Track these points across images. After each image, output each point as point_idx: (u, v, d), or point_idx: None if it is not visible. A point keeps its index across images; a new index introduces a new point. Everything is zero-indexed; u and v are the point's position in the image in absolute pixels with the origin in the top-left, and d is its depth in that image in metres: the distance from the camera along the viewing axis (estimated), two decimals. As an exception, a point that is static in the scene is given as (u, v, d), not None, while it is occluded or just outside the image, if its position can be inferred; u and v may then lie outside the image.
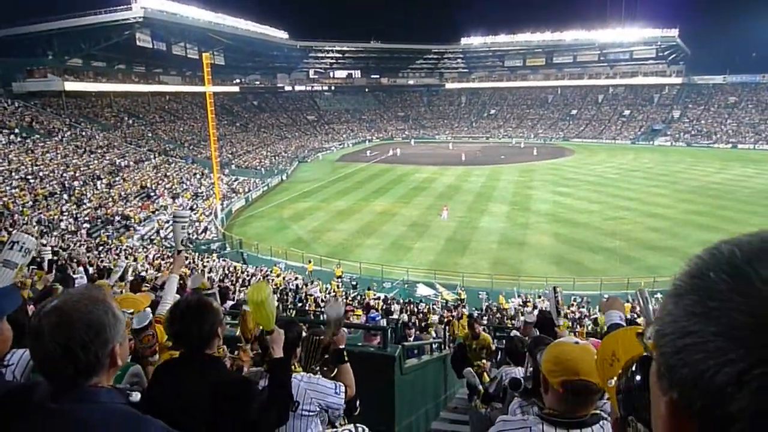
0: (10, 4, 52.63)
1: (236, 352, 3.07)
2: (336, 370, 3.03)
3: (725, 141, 76.16)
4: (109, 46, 56.46)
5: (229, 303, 7.88)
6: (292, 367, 2.77)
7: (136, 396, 1.51)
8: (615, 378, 1.18)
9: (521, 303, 20.10)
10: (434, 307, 19.68)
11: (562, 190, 42.39)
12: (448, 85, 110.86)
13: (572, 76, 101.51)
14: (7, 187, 28.18)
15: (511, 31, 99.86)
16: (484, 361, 7.25)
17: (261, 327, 2.65)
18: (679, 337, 0.52)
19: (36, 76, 48.47)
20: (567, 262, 25.30)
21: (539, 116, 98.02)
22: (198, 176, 43.59)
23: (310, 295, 19.18)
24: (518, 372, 3.58)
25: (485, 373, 6.75)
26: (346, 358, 3.02)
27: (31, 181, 30.23)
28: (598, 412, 1.92)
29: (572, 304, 19.84)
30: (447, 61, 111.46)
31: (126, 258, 20.34)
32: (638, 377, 1.08)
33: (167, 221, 31.95)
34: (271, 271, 23.68)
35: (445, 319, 15.07)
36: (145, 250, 25.68)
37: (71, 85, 50.60)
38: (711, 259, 0.55)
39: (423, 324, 13.97)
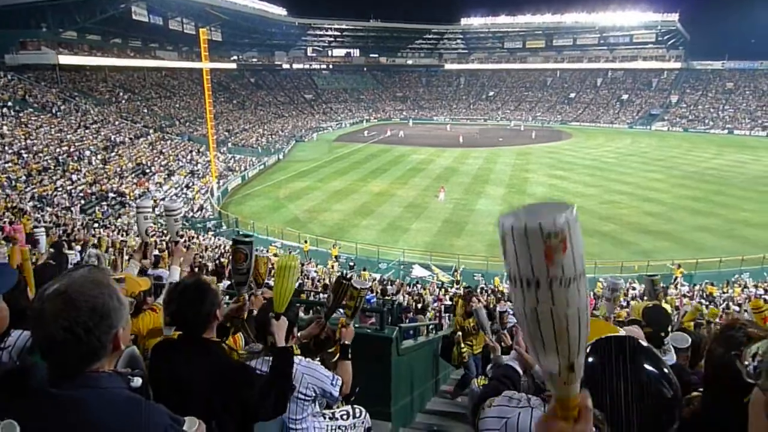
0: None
1: (250, 298, 3.10)
2: (336, 362, 3.05)
3: (722, 127, 76.15)
4: (105, 20, 55.44)
5: (226, 283, 7.87)
6: (290, 348, 2.77)
7: (137, 381, 1.50)
8: None
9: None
10: (430, 288, 19.80)
11: (558, 173, 42.42)
12: (447, 66, 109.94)
13: (572, 59, 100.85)
14: (1, 162, 27.92)
15: (512, 12, 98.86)
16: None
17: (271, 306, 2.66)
18: None
19: (29, 48, 47.65)
20: (562, 246, 25.39)
21: (538, 99, 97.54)
22: (194, 153, 43.28)
23: (306, 274, 19.24)
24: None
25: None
26: (350, 356, 3.01)
27: (25, 155, 29.92)
28: None
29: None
30: (446, 41, 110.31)
31: (120, 234, 20.31)
32: (590, 359, 1.17)
33: (162, 199, 31.82)
34: (267, 251, 23.68)
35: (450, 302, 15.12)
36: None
37: (65, 59, 49.77)
38: None
39: (419, 306, 14.06)
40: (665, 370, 1.28)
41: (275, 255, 22.70)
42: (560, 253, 0.82)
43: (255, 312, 3.03)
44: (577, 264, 0.84)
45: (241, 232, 28.37)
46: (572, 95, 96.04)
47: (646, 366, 1.27)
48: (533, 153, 53.84)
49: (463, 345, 7.14)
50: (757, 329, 1.73)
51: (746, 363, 1.40)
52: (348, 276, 3.20)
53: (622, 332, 1.60)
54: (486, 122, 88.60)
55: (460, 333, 7.28)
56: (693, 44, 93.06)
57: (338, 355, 3.06)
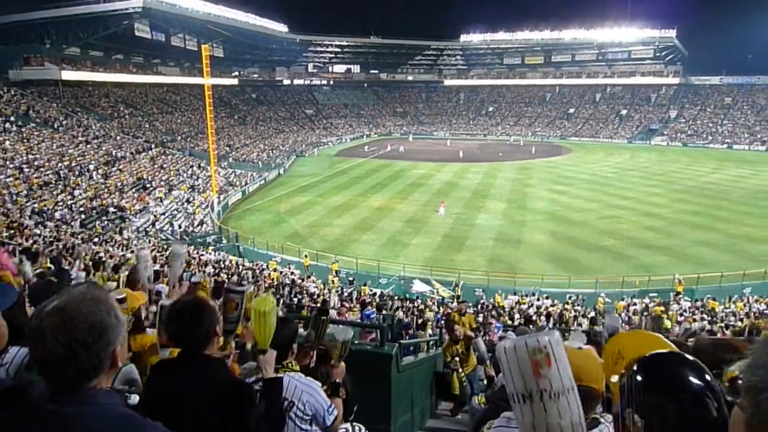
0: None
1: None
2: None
3: (721, 141, 76.46)
4: (108, 36, 56.10)
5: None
6: (290, 365, 2.75)
7: (134, 398, 1.49)
8: (618, 375, 1.32)
9: (517, 301, 20.14)
10: (430, 303, 19.70)
11: (559, 188, 42.50)
12: (447, 82, 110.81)
13: (570, 75, 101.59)
14: (2, 176, 27.97)
15: (511, 29, 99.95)
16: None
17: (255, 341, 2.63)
18: None
19: (33, 64, 48.09)
20: (563, 260, 25.37)
21: (537, 114, 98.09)
22: (195, 168, 43.41)
23: (305, 289, 19.17)
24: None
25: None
26: (342, 393, 2.95)
27: (26, 170, 30.00)
28: (597, 416, 1.92)
29: (567, 303, 19.93)
30: (446, 57, 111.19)
31: (121, 249, 20.28)
32: (638, 377, 1.17)
33: (163, 213, 31.87)
34: (267, 266, 23.64)
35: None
36: (140, 242, 25.57)
37: (68, 74, 50.24)
38: None
39: (419, 321, 14.00)
40: (711, 383, 1.26)
41: (275, 270, 22.69)
42: (546, 368, 0.97)
43: (248, 346, 3.00)
44: (564, 379, 1.00)
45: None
46: (571, 110, 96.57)
47: (692, 379, 1.26)
48: (533, 168, 54.01)
49: (461, 371, 7.00)
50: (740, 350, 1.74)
51: (726, 382, 1.41)
52: (325, 310, 3.17)
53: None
54: (486, 137, 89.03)
55: (458, 362, 7.07)
56: (691, 60, 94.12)
57: (329, 393, 2.98)
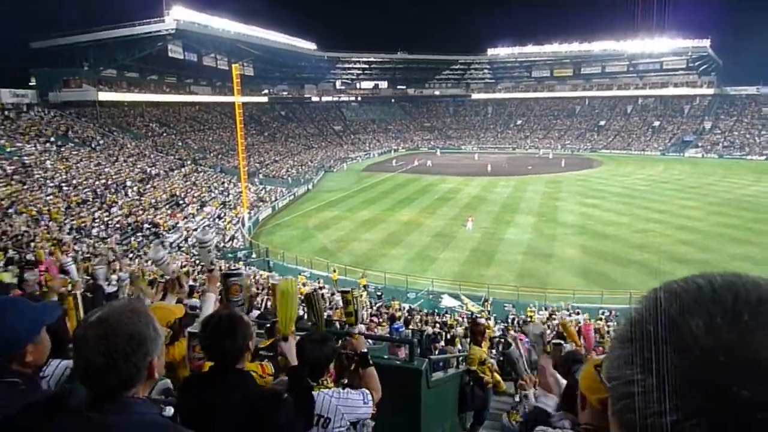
0: (49, 16, 54.67)
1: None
2: (361, 375, 3.02)
3: (759, 153, 74.09)
4: (143, 57, 57.95)
5: (255, 312, 7.93)
6: (325, 382, 2.78)
7: (169, 410, 1.54)
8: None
9: (548, 316, 19.81)
10: (459, 318, 19.54)
11: (590, 201, 41.82)
12: (475, 96, 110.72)
13: (601, 87, 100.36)
14: (43, 194, 29.05)
15: (539, 41, 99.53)
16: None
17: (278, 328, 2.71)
18: (623, 384, 0.56)
19: (72, 86, 50.03)
20: (594, 275, 24.88)
21: (567, 127, 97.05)
22: (226, 185, 44.26)
23: (335, 304, 19.22)
24: (549, 401, 3.44)
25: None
26: (371, 362, 3.00)
27: (65, 188, 31.08)
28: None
29: (600, 318, 19.51)
30: (473, 71, 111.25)
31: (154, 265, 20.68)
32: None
33: (195, 229, 32.47)
34: (297, 279, 23.80)
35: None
36: (173, 257, 26.10)
37: (105, 95, 52.07)
38: (650, 309, 0.57)
39: (448, 336, 13.87)
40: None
41: (304, 284, 22.83)
42: None
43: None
44: None
45: (271, 263, 28.67)
46: (602, 123, 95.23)
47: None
48: (563, 181, 53.30)
49: (487, 374, 7.02)
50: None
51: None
52: (309, 294, 3.29)
53: None
54: (514, 151, 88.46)
55: (483, 362, 7.12)
56: (726, 70, 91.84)
57: (359, 367, 3.03)
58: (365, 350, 3.05)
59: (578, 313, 20.17)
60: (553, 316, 19.63)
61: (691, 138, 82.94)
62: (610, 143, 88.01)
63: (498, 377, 7.34)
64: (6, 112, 39.65)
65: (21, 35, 53.28)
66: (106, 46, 53.93)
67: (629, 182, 52.13)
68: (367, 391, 2.78)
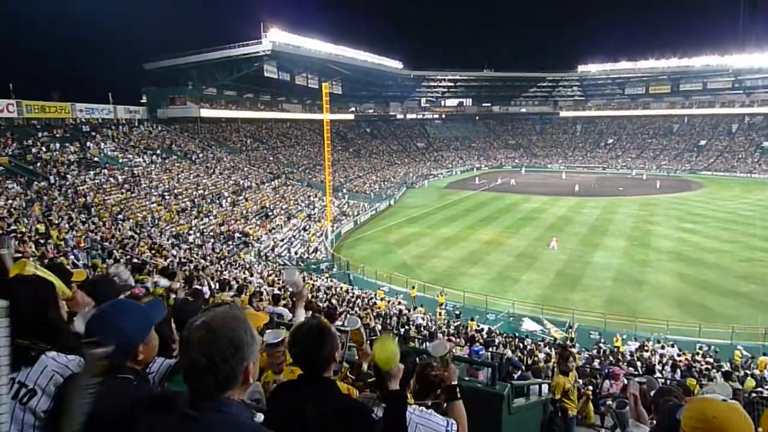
0: (159, 41, 59.73)
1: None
2: (446, 405, 2.88)
3: None
4: (240, 77, 61.58)
5: (337, 323, 8.12)
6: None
7: (259, 416, 1.66)
8: None
9: (638, 347, 18.64)
10: (541, 344, 18.84)
11: (688, 226, 39.13)
12: (563, 114, 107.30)
13: (701, 105, 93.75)
14: (148, 202, 31.56)
15: (633, 57, 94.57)
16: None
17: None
18: None
19: (177, 103, 54.19)
20: (692, 306, 23.21)
21: (663, 147, 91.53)
22: (312, 198, 45.82)
23: (412, 321, 19.25)
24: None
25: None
26: (459, 395, 2.88)
27: (167, 197, 33.54)
28: None
29: (697, 353, 18.13)
30: (562, 89, 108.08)
31: (244, 272, 21.75)
32: None
33: (282, 239, 33.79)
34: (375, 294, 24.08)
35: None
36: (259, 265, 27.28)
37: (206, 112, 55.87)
38: None
39: (529, 362, 13.46)
40: None
41: (382, 299, 23.03)
42: None
43: (365, 366, 3.11)
44: None
45: (351, 276, 29.14)
46: (702, 143, 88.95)
47: None
48: (658, 204, 50.28)
49: (570, 405, 6.78)
50: None
51: None
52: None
53: None
54: (604, 170, 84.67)
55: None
56: None
57: (446, 398, 2.95)
58: (455, 383, 2.91)
59: (672, 346, 18.86)
60: (645, 348, 18.46)
61: (808, 160, 75.47)
62: (711, 164, 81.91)
63: (590, 409, 7.06)
64: (121, 127, 43.67)
65: (137, 58, 58.88)
66: (208, 67, 58.00)
67: (733, 207, 48.21)
68: (453, 421, 2.67)
